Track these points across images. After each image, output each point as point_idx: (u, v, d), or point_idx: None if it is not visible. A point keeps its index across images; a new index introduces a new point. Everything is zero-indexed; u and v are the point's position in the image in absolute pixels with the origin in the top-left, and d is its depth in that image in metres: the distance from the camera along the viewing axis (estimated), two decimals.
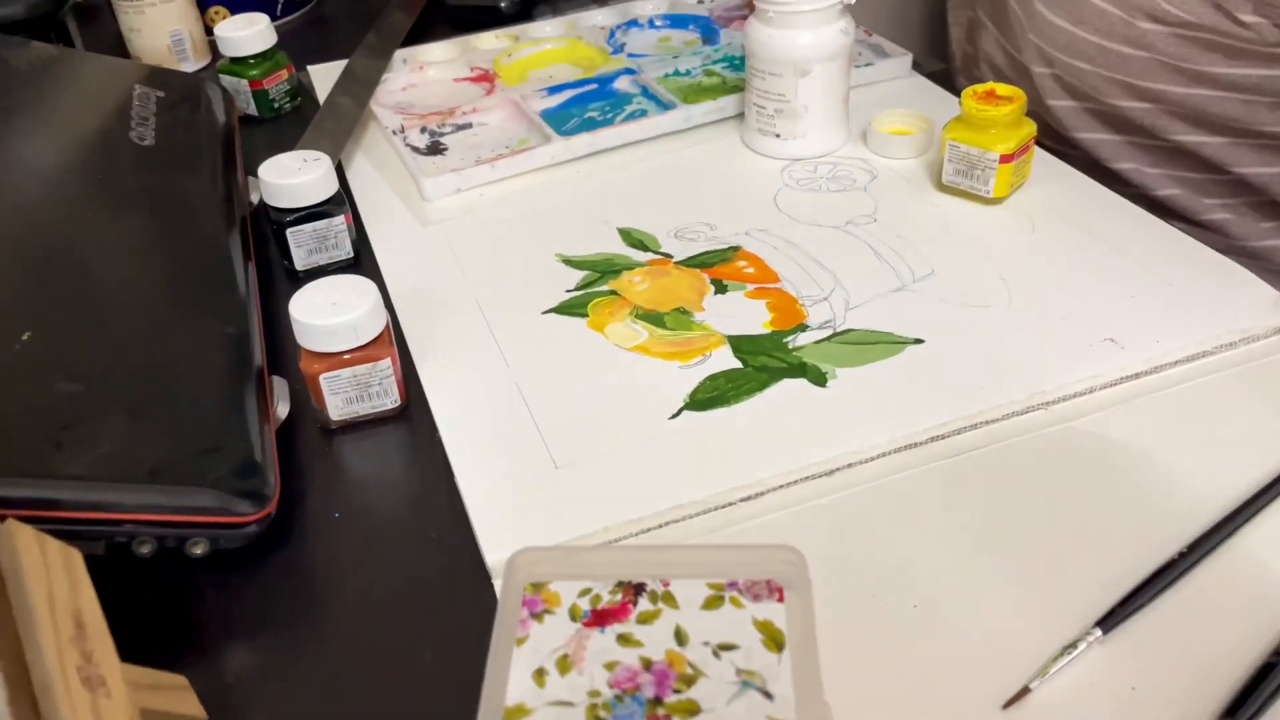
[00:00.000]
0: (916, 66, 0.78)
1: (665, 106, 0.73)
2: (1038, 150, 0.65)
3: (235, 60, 0.78)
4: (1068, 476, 0.45)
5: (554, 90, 0.76)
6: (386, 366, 0.50)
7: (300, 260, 0.62)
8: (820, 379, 0.50)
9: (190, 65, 0.89)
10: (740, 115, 0.72)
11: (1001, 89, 0.61)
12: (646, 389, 0.50)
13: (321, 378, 0.49)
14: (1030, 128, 0.61)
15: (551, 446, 0.48)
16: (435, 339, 0.55)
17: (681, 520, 0.44)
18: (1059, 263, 0.57)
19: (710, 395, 0.50)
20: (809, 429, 0.47)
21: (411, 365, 0.54)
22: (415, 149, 0.71)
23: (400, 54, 0.83)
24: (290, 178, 0.59)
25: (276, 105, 0.80)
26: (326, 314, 0.48)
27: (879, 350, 0.52)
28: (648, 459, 0.47)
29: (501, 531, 0.44)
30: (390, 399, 0.51)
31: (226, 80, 0.79)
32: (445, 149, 0.72)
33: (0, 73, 0.64)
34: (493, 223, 0.64)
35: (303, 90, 0.83)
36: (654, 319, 0.55)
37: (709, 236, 0.61)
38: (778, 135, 0.68)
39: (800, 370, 0.51)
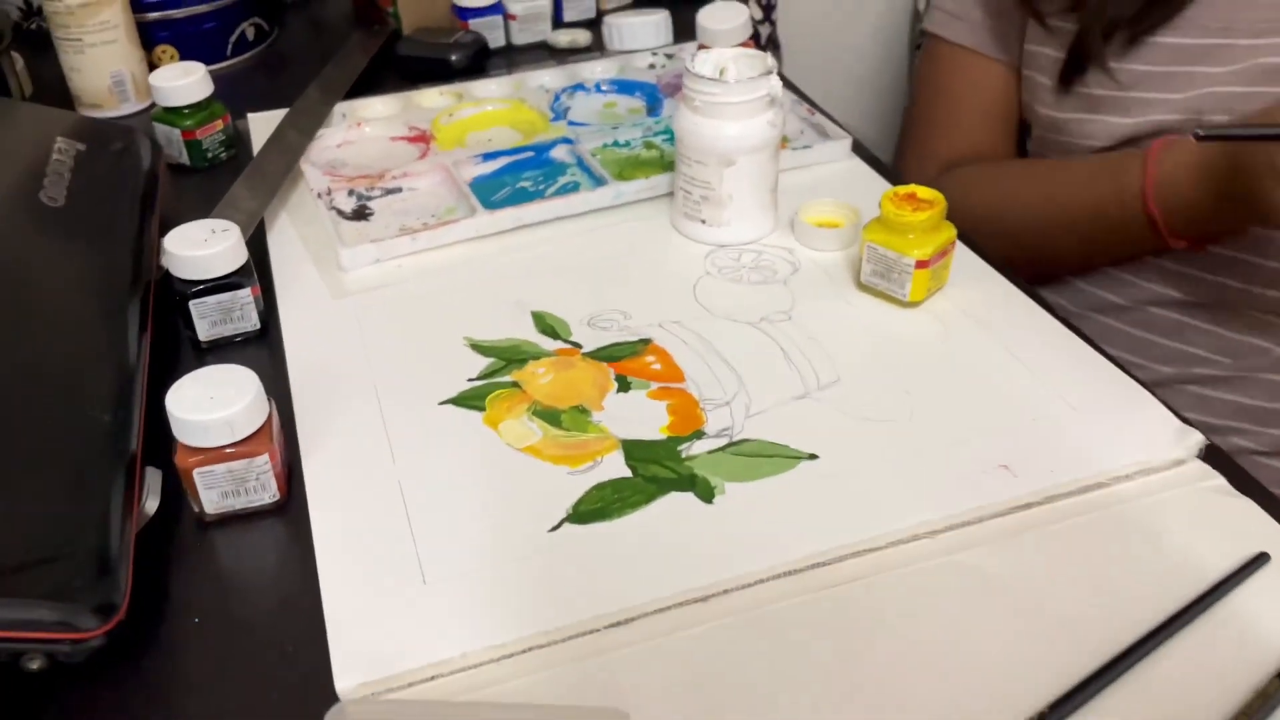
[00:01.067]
0: (862, 149, 0.77)
1: (598, 181, 0.72)
2: (963, 248, 0.64)
3: (169, 110, 0.77)
4: (951, 611, 0.44)
5: (489, 156, 0.75)
6: (264, 462, 0.49)
7: (204, 332, 0.60)
8: (708, 494, 0.49)
9: (132, 106, 0.88)
10: (671, 194, 0.71)
11: (923, 192, 0.60)
12: (531, 496, 0.49)
13: (195, 472, 0.48)
14: (949, 233, 0.60)
15: (424, 557, 0.47)
16: (327, 426, 0.54)
17: (546, 646, 0.43)
18: (966, 377, 0.56)
19: (594, 507, 0.49)
20: (690, 549, 0.46)
21: (299, 453, 0.52)
22: (340, 212, 0.70)
23: (340, 107, 0.82)
24: (196, 249, 0.58)
25: (210, 155, 0.79)
26: (203, 408, 0.47)
27: (772, 464, 0.51)
28: (523, 577, 0.45)
29: (357, 653, 0.42)
30: (268, 493, 0.50)
31: (160, 129, 0.78)
32: (371, 214, 0.71)
33: None
34: (407, 298, 0.63)
35: (239, 139, 0.82)
36: (551, 416, 0.54)
37: (621, 326, 0.60)
38: (703, 221, 0.67)
39: (689, 483, 0.50)
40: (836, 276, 0.64)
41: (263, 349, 0.61)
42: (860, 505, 0.48)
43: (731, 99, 0.62)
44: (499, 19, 0.95)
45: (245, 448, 0.48)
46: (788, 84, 0.86)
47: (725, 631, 0.44)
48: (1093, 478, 0.50)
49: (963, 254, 0.65)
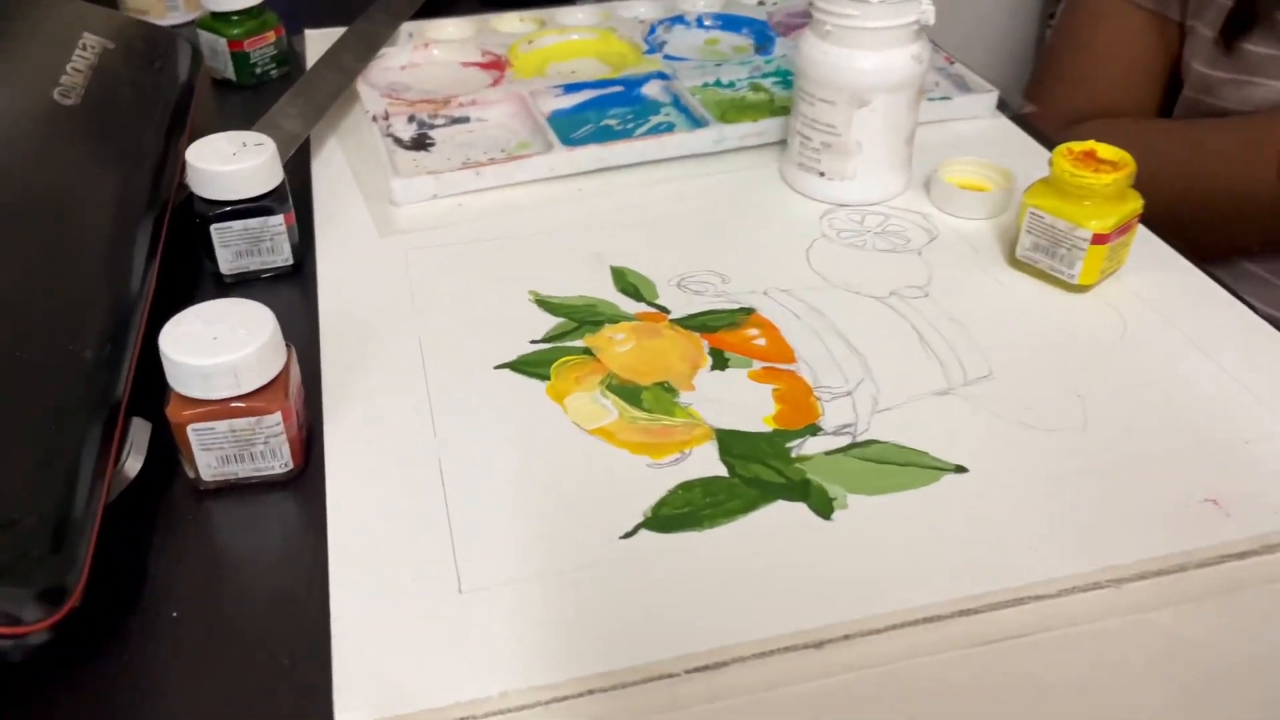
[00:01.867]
0: (1003, 106, 0.66)
1: (697, 123, 0.61)
2: (1141, 229, 0.53)
3: (216, 15, 0.68)
4: (1138, 687, 0.33)
5: (571, 89, 0.65)
6: (275, 423, 0.39)
7: (227, 263, 0.51)
8: (825, 507, 0.39)
9: (180, 15, 0.79)
10: (783, 142, 0.60)
11: (1105, 150, 0.49)
12: (601, 491, 0.39)
13: (190, 429, 0.39)
14: (1135, 203, 0.49)
15: (461, 559, 0.37)
16: (359, 385, 0.44)
17: (609, 690, 0.33)
18: (1153, 382, 0.44)
19: (679, 511, 0.38)
20: (801, 576, 0.36)
21: (322, 416, 0.43)
22: (398, 140, 0.61)
23: (407, 27, 0.72)
24: (222, 164, 0.49)
25: (259, 71, 0.70)
26: (204, 350, 0.38)
27: (907, 475, 0.40)
28: (584, 595, 0.35)
29: (368, 680, 0.33)
30: (279, 461, 0.40)
31: (204, 37, 0.69)
32: (432, 144, 0.61)
33: None
34: (466, 242, 0.53)
35: (293, 57, 0.73)
36: (629, 393, 0.44)
37: (717, 291, 0.50)
38: (822, 174, 0.56)
39: (802, 491, 0.39)
40: (983, 250, 0.53)
41: (294, 288, 0.52)
42: (1022, 537, 0.37)
43: (872, 23, 0.51)
44: None
45: (254, 402, 0.39)
46: None
47: (844, 690, 0.33)
48: None
49: (1141, 234, 0.53)
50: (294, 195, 0.52)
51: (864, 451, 0.41)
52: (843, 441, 0.41)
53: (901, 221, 0.55)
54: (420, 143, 0.61)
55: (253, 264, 0.51)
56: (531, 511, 0.38)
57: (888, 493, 0.39)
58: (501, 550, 0.37)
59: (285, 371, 0.40)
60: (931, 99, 0.64)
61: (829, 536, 0.37)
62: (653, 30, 0.72)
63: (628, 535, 0.38)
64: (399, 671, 0.33)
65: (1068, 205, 0.48)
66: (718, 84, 0.66)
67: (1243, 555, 0.37)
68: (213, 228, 0.50)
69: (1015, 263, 0.51)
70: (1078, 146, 0.49)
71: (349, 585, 0.36)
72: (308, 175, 0.59)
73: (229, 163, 0.49)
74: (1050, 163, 0.49)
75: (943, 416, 0.43)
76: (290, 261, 0.52)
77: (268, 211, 0.50)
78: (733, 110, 0.63)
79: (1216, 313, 0.48)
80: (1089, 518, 0.38)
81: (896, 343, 0.47)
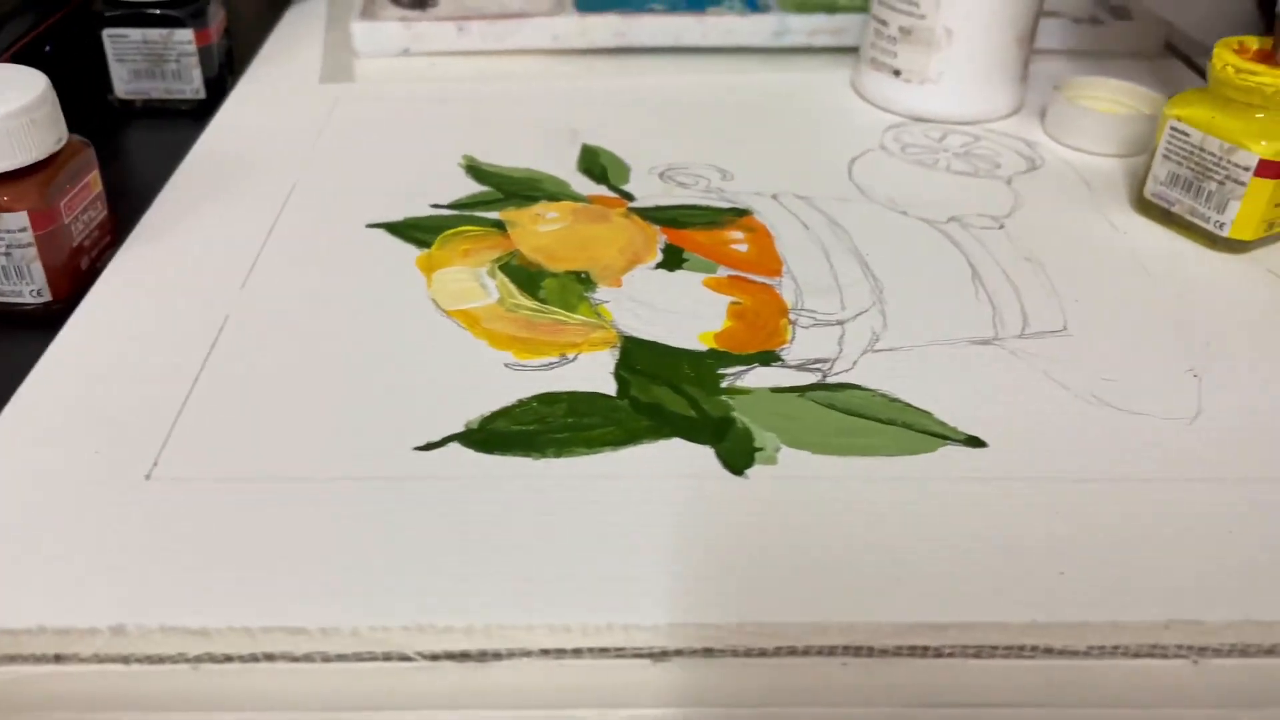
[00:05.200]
0: (1174, 50, 0.50)
1: (755, 6, 0.48)
2: None
3: None
4: None
5: None
6: (21, 227, 0.29)
7: (122, 83, 0.42)
8: (742, 458, 0.25)
9: None
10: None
11: None
12: (428, 388, 0.27)
13: None
14: None
15: (175, 439, 0.25)
16: (188, 221, 0.33)
17: (297, 661, 0.20)
18: None
19: (520, 428, 0.25)
20: (656, 551, 0.22)
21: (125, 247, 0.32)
22: None
23: None
24: None
25: None
26: None
27: (887, 436, 0.26)
28: (313, 515, 0.23)
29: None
30: (29, 287, 0.30)
31: None
32: (434, 5, 0.50)
33: None
34: (418, 102, 0.42)
35: None
36: (526, 278, 0.31)
37: (711, 187, 0.37)
38: (897, 72, 0.42)
39: (717, 431, 0.26)
40: (1105, 187, 0.38)
41: (198, 128, 0.41)
42: (1047, 554, 0.23)
43: None
44: None
45: None
46: None
47: None
48: None
49: None
50: (248, 30, 0.42)
51: (831, 396, 0.27)
52: (808, 379, 0.28)
53: (996, 145, 0.40)
54: (421, 2, 0.50)
55: (155, 89, 0.42)
56: (318, 399, 0.26)
57: (847, 454, 0.25)
58: (245, 439, 0.25)
59: (56, 164, 0.29)
60: (1078, 21, 0.49)
61: (731, 498, 0.24)
62: None
63: (428, 447, 0.25)
64: (36, 558, 0.21)
65: (1227, 118, 0.33)
66: None
67: None
68: (105, 33, 0.40)
69: (1143, 205, 0.36)
70: (1252, 41, 0.34)
71: (10, 441, 0.25)
72: (280, 10, 0.49)
73: None
74: (1211, 59, 0.33)
75: (973, 371, 0.28)
76: (200, 94, 0.42)
77: (175, 23, 0.40)
78: (815, 5, 0.50)
79: None
80: (1163, 546, 0.23)
81: (937, 276, 0.32)
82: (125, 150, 0.40)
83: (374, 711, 0.21)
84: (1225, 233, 0.33)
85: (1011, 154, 0.40)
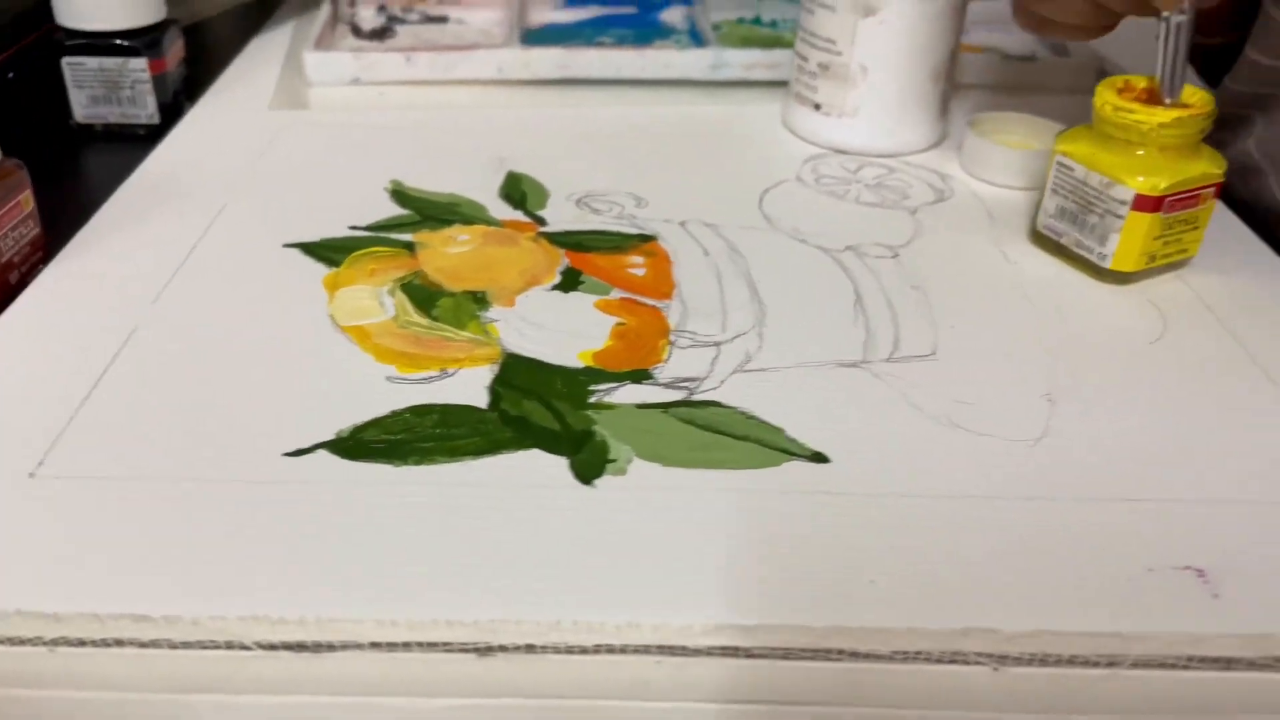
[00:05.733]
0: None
1: (699, 43, 0.50)
2: (1221, 208, 0.38)
3: None
4: None
5: (574, 2, 0.55)
6: None
7: (81, 108, 0.44)
8: (594, 468, 0.26)
9: None
10: None
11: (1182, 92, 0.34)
12: (309, 399, 0.28)
13: None
14: (1211, 166, 0.34)
15: (65, 438, 0.27)
16: (118, 237, 0.35)
17: (144, 646, 0.22)
18: (1171, 406, 0.30)
19: (387, 438, 0.27)
20: (492, 554, 0.24)
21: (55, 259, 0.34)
22: (356, 29, 0.52)
23: None
24: None
25: None
26: None
27: (738, 451, 0.27)
28: (184, 513, 0.25)
29: None
30: None
31: None
32: (393, 38, 0.52)
33: None
34: (359, 129, 0.44)
35: None
36: (423, 296, 0.33)
37: (624, 214, 0.38)
38: (817, 106, 0.43)
39: (575, 443, 0.27)
40: (1005, 221, 0.39)
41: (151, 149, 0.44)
42: (866, 564, 0.24)
43: None
44: None
45: None
46: None
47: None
48: None
49: (1222, 217, 0.38)
50: (214, 59, 0.45)
51: (692, 412, 0.28)
52: (674, 396, 0.29)
53: (909, 177, 0.42)
54: (381, 34, 0.52)
55: (111, 115, 0.44)
56: (203, 407, 0.28)
57: (695, 467, 0.26)
58: (131, 441, 0.27)
59: None
60: (1016, 58, 0.50)
61: (576, 507, 0.25)
62: None
63: (298, 453, 0.26)
64: None
65: (1107, 154, 0.34)
66: (756, 21, 0.55)
67: (1226, 664, 0.22)
68: (64, 61, 0.43)
69: (1037, 237, 0.37)
70: (1139, 80, 0.35)
71: None
72: (244, 40, 0.52)
73: None
74: (1094, 96, 0.35)
75: (833, 392, 0.29)
76: (154, 119, 0.44)
77: (131, 52, 0.43)
78: (755, 43, 0.52)
79: None
80: (976, 559, 0.24)
81: (822, 301, 0.34)
82: (78, 171, 0.42)
83: (217, 694, 0.22)
84: (1108, 264, 0.35)
85: (923, 186, 0.41)
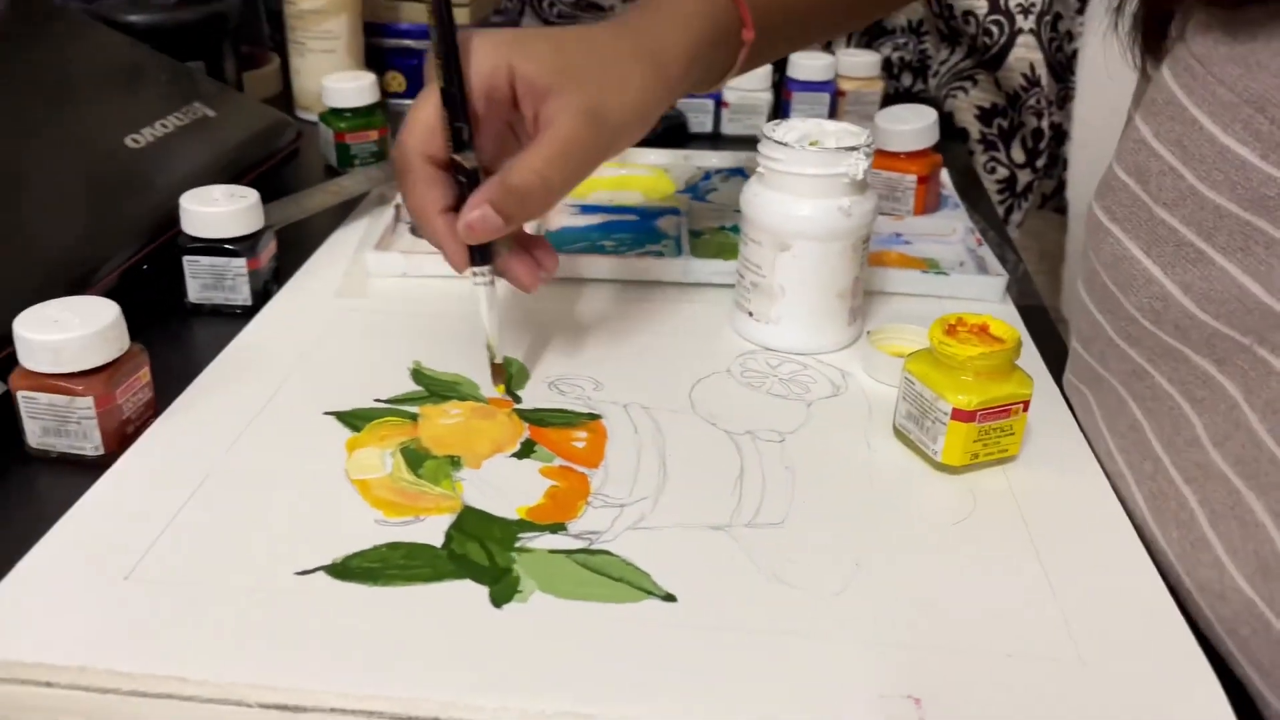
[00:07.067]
0: (1035, 297, 0.62)
1: (680, 253, 0.63)
2: (1066, 417, 0.47)
3: (332, 110, 0.78)
4: None
5: (588, 209, 0.68)
6: (87, 405, 0.44)
7: (193, 292, 0.58)
8: (504, 595, 0.37)
9: None
10: None
11: (999, 327, 0.45)
12: (322, 533, 0.40)
13: (19, 395, 0.44)
14: (1018, 388, 0.44)
15: (154, 552, 0.39)
16: (208, 400, 0.48)
17: (184, 698, 0.34)
18: (951, 572, 0.39)
19: (367, 565, 0.39)
20: (426, 651, 0.35)
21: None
22: (413, 228, 0.66)
23: None
24: (202, 206, 0.56)
25: (358, 161, 0.79)
26: (41, 328, 0.44)
27: (612, 589, 0.38)
28: (233, 610, 0.36)
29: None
30: (90, 443, 0.45)
31: (321, 128, 0.79)
32: None
33: (75, 51, 0.68)
34: (402, 315, 0.57)
35: None
36: (415, 459, 0.45)
37: (583, 396, 0.50)
38: (750, 314, 0.55)
39: (494, 576, 0.38)
40: (880, 416, 0.49)
41: (241, 324, 0.57)
42: (679, 675, 0.34)
43: (795, 169, 0.51)
44: (710, 103, 0.89)
45: (71, 383, 0.44)
46: (977, 206, 0.72)
47: None
48: None
49: (1056, 423, 0.48)
50: (299, 250, 0.59)
51: (587, 559, 0.39)
52: (576, 545, 0.40)
53: (815, 374, 0.53)
54: None
55: (215, 298, 0.58)
56: (251, 531, 0.40)
57: (578, 599, 0.37)
58: (197, 556, 0.39)
59: (117, 365, 0.45)
60: (940, 273, 0.61)
61: (485, 623, 0.36)
62: (707, 177, 0.75)
63: (305, 572, 0.38)
64: (23, 620, 0.36)
65: (937, 374, 0.45)
66: (734, 229, 0.67)
67: None
68: (185, 258, 0.57)
69: (897, 432, 0.47)
70: (971, 319, 0.46)
71: (49, 549, 0.39)
72: (326, 235, 0.66)
73: (208, 206, 0.56)
74: (929, 331, 0.46)
75: (694, 548, 0.40)
76: (248, 302, 0.58)
77: (233, 254, 0.57)
78: (727, 252, 0.64)
79: (1090, 524, 0.42)
80: (772, 675, 0.34)
81: (713, 475, 0.45)
82: (188, 342, 0.56)
83: None
84: (939, 459, 0.45)
85: (825, 382, 0.52)
